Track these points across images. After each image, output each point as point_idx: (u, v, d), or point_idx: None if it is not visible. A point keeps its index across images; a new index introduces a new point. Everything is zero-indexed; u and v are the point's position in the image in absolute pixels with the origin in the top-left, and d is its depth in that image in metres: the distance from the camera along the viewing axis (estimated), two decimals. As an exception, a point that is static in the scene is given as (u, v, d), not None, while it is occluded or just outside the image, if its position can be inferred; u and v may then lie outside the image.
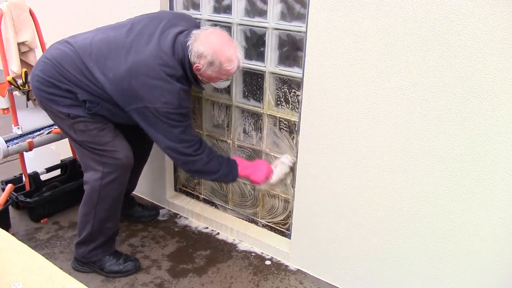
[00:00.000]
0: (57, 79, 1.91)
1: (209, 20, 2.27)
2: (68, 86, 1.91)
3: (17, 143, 2.36)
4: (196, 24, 2.10)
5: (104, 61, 1.87)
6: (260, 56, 2.16)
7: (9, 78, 2.32)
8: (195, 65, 1.89)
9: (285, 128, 2.19)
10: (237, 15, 2.16)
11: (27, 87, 2.39)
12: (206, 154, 1.98)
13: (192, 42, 1.86)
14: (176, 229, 2.56)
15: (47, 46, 2.55)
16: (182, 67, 1.89)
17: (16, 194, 2.53)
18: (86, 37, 1.96)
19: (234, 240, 2.47)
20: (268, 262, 2.31)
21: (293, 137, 2.17)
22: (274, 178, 2.12)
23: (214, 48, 1.84)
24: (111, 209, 2.09)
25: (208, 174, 2.04)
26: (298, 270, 2.26)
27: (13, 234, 1.90)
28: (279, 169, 2.14)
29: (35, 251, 1.31)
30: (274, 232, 2.41)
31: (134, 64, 1.83)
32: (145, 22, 1.96)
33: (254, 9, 2.11)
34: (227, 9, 2.20)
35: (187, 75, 1.92)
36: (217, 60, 1.85)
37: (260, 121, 2.26)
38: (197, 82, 1.99)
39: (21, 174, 2.66)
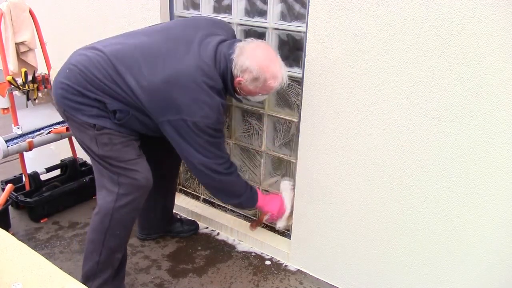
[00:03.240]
0: (85, 87, 1.76)
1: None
2: (97, 95, 1.76)
3: (17, 143, 2.36)
4: (233, 32, 2.02)
5: (139, 68, 1.75)
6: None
7: (9, 78, 2.33)
8: (238, 79, 1.81)
9: (285, 128, 2.19)
10: (237, 15, 2.16)
11: (27, 87, 2.39)
12: (235, 175, 1.95)
13: (238, 55, 1.78)
14: (176, 229, 2.55)
15: (47, 46, 2.55)
16: (222, 79, 1.81)
17: (16, 194, 2.53)
18: (116, 42, 1.84)
19: (234, 240, 2.47)
20: (268, 262, 2.31)
21: (293, 137, 2.16)
22: (288, 206, 2.18)
23: (260, 63, 1.77)
24: (122, 237, 1.94)
25: (232, 197, 2.02)
26: (298, 270, 2.26)
27: (13, 234, 1.89)
28: (287, 197, 2.19)
29: (35, 251, 1.31)
30: (274, 232, 2.41)
31: (173, 74, 1.73)
32: (180, 28, 1.88)
33: (254, 9, 2.11)
34: (227, 9, 2.20)
35: (226, 88, 1.84)
36: (262, 76, 1.78)
37: (261, 121, 2.26)
38: (235, 94, 1.91)
39: (21, 174, 2.66)
